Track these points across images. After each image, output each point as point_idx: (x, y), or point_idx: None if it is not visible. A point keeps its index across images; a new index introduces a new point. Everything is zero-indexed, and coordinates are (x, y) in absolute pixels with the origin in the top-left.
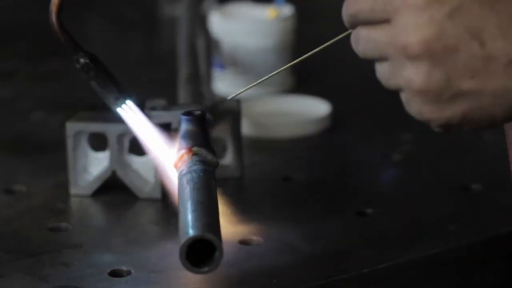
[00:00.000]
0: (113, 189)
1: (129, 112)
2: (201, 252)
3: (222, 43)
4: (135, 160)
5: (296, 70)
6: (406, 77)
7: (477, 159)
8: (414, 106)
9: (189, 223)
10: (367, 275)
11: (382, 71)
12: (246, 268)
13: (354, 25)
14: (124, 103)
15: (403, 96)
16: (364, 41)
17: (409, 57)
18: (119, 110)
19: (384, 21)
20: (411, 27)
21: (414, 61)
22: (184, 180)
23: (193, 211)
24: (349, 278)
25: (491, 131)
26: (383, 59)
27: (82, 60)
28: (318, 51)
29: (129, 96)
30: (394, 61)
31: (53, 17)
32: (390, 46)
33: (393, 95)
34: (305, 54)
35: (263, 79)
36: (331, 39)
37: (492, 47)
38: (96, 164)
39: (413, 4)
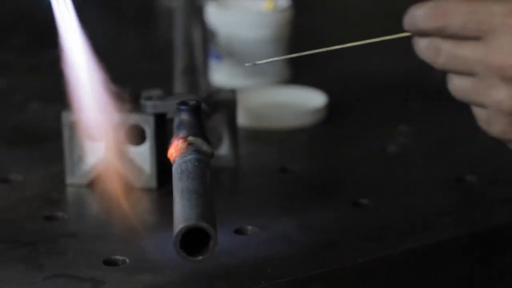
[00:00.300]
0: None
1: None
2: (196, 241)
3: (218, 34)
4: (130, 150)
5: (292, 61)
6: (496, 97)
7: (472, 151)
8: (498, 126)
9: (183, 212)
10: (362, 265)
11: (463, 85)
12: (241, 257)
13: (431, 35)
14: None
15: (484, 114)
16: (447, 55)
17: (503, 78)
18: None
19: (475, 38)
20: (509, 49)
21: (508, 83)
22: (179, 169)
23: (188, 200)
24: (344, 268)
25: None
26: (467, 74)
27: None
28: (354, 45)
29: None
30: (483, 79)
31: None
32: (481, 65)
33: (388, 88)
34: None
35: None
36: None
37: None
38: (92, 154)
39: (509, 25)
